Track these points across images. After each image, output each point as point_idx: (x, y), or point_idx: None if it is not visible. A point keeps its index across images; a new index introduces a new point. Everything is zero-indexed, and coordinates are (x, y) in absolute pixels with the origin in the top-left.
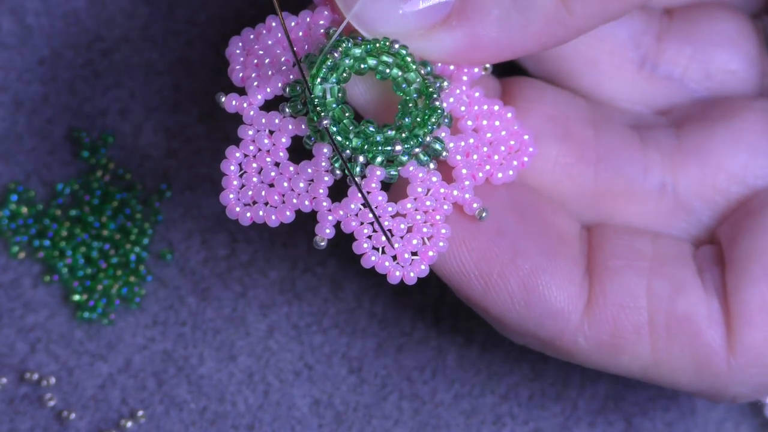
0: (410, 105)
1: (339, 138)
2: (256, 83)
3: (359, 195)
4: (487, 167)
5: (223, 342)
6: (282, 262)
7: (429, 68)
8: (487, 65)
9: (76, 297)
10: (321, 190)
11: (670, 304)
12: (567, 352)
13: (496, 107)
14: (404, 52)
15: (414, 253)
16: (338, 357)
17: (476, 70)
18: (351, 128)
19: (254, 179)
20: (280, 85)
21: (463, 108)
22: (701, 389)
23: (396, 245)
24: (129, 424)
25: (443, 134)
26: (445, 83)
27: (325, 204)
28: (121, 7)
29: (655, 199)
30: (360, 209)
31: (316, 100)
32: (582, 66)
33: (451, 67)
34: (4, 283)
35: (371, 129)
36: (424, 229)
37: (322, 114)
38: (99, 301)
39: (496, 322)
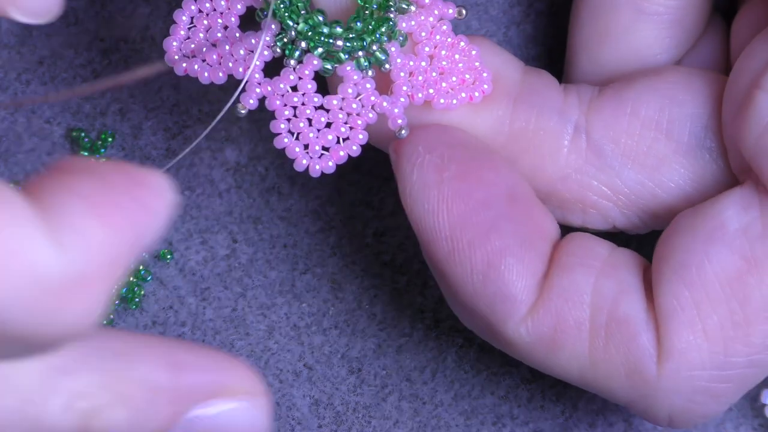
0: (366, 12)
1: (287, 17)
2: None
3: (291, 78)
4: (431, 91)
5: (222, 342)
6: (282, 263)
7: None
8: (463, 11)
9: None
10: (257, 62)
11: (612, 305)
12: (510, 343)
13: (462, 43)
14: None
15: (326, 149)
16: (338, 357)
17: (450, 11)
18: (302, 12)
19: (201, 35)
20: None
21: (423, 34)
22: (635, 399)
23: (311, 134)
24: None
25: (393, 49)
26: (412, 8)
27: (257, 76)
28: (121, 7)
29: (567, 139)
30: (288, 91)
31: None
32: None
33: (427, 1)
34: None
35: (320, 18)
36: (342, 129)
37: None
38: None
39: (451, 293)
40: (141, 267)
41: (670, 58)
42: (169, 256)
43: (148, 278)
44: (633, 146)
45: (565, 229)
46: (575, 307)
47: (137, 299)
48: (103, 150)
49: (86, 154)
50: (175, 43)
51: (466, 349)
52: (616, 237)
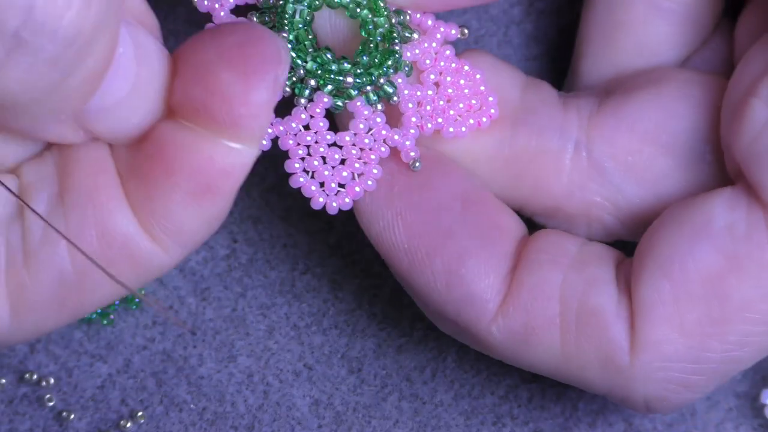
0: (371, 46)
1: (295, 57)
2: None
3: (302, 116)
4: (440, 120)
5: (222, 342)
6: (282, 263)
7: (402, 18)
8: (465, 30)
9: None
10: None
11: (582, 298)
12: (484, 343)
13: (466, 67)
14: None
15: (341, 186)
16: (338, 357)
17: (453, 32)
18: (310, 51)
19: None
20: None
21: (428, 61)
22: (610, 388)
23: (326, 172)
24: (128, 424)
25: (399, 80)
26: (415, 35)
27: None
28: None
29: (568, 157)
30: (300, 130)
31: (287, 16)
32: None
33: (430, 23)
34: None
35: (328, 56)
36: (357, 165)
37: (285, 29)
38: None
39: (421, 303)
40: None
41: (680, 54)
42: None
43: None
44: (633, 162)
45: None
46: (545, 303)
47: (137, 299)
48: None
49: None
50: None
51: (466, 349)
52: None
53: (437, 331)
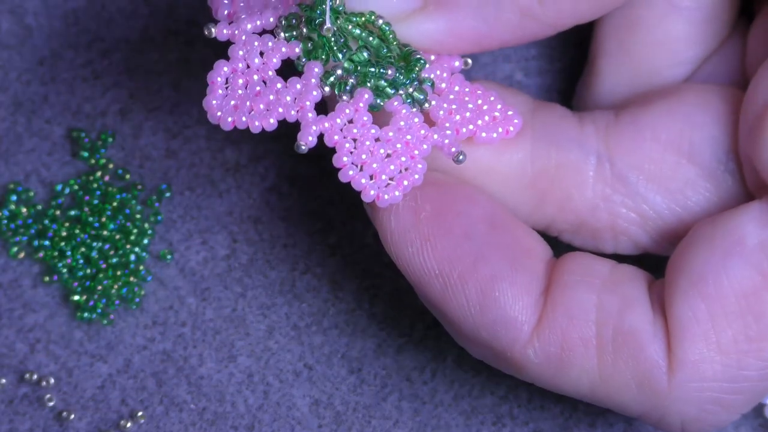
0: (392, 60)
1: (337, 51)
2: (244, 16)
3: (347, 111)
4: (471, 126)
5: (222, 342)
6: (282, 263)
7: (410, 49)
8: (469, 61)
9: (76, 297)
10: (308, 102)
11: (618, 320)
12: (519, 366)
13: (479, 91)
14: (387, 29)
15: (391, 178)
16: (338, 357)
17: (456, 63)
18: (346, 50)
19: (240, 92)
20: (271, 19)
21: (443, 84)
22: (647, 410)
23: (374, 164)
24: (129, 424)
25: (428, 89)
26: (427, 64)
27: (310, 115)
28: (121, 7)
29: (591, 170)
30: (345, 124)
31: (324, 13)
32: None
33: (432, 58)
34: (3, 284)
35: (365, 55)
36: (402, 158)
37: (329, 24)
38: (99, 301)
39: (453, 328)
40: (141, 267)
41: (698, 53)
42: (169, 256)
43: (148, 278)
44: (657, 171)
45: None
46: (580, 325)
47: (137, 299)
48: (103, 150)
49: (86, 154)
50: (215, 102)
51: None
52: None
53: (437, 331)
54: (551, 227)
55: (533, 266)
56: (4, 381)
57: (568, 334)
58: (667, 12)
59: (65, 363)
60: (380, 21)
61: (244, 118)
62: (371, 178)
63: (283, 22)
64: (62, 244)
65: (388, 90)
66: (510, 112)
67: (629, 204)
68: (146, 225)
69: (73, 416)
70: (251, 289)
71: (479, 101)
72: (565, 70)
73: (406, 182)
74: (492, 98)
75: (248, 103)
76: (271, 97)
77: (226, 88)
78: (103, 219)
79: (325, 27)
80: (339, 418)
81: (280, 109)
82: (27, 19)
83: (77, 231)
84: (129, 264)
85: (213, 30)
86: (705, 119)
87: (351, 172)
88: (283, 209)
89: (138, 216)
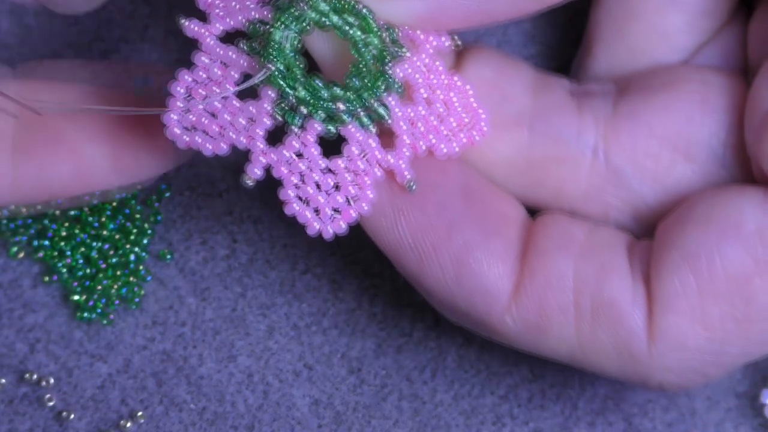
0: (362, 67)
1: (284, 85)
2: (219, 11)
3: (295, 144)
4: (432, 139)
5: (222, 342)
6: (282, 263)
7: (394, 34)
8: (459, 43)
9: (76, 297)
10: (259, 131)
11: (596, 287)
12: (497, 333)
13: (458, 82)
14: (368, 14)
15: (336, 210)
16: (338, 357)
17: (447, 43)
18: (300, 79)
19: (200, 106)
20: (242, 19)
21: (419, 77)
22: (626, 375)
23: (320, 198)
24: (128, 424)
25: (392, 101)
26: (407, 53)
27: (260, 145)
28: (121, 7)
29: (587, 163)
30: (293, 158)
31: (274, 44)
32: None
33: (421, 36)
34: (3, 284)
35: (319, 83)
36: (351, 189)
37: (273, 58)
38: (98, 301)
39: (432, 298)
40: (141, 267)
41: (693, 42)
42: (169, 256)
43: (148, 278)
44: (652, 167)
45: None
46: (558, 293)
47: (137, 299)
48: None
49: None
50: (174, 116)
51: (466, 348)
52: None
53: (437, 331)
54: (543, 211)
55: (508, 232)
56: (4, 381)
57: (545, 302)
58: (662, 2)
59: (65, 363)
60: (361, 6)
61: (198, 139)
62: (316, 212)
63: (249, 27)
64: (62, 243)
65: (343, 117)
66: (482, 113)
67: (622, 196)
68: (146, 225)
69: (73, 416)
70: (251, 289)
71: (452, 95)
72: (564, 68)
73: (352, 213)
74: (469, 90)
75: (205, 121)
76: (227, 116)
77: (187, 100)
78: (103, 219)
79: (269, 68)
80: (339, 418)
81: (232, 134)
82: (27, 19)
83: (77, 231)
84: (129, 264)
85: (184, 23)
86: (704, 116)
87: (296, 206)
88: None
89: (138, 216)
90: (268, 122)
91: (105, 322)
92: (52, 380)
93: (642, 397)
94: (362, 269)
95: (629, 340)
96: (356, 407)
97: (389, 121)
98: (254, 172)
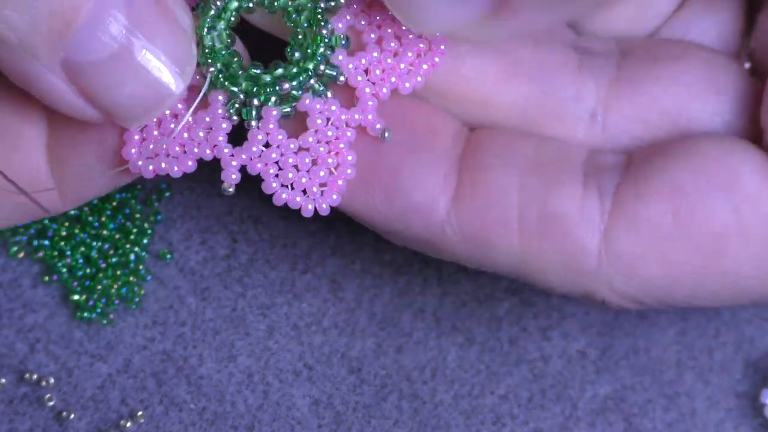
0: (300, 36)
1: (228, 84)
2: None
3: (259, 138)
4: (393, 79)
5: (222, 342)
6: (282, 262)
7: None
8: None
9: (76, 297)
10: (220, 138)
11: (542, 201)
12: (437, 247)
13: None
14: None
15: (323, 185)
16: (338, 357)
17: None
18: (240, 73)
19: (155, 132)
20: None
21: (363, 21)
22: (571, 289)
23: (303, 179)
24: (128, 424)
25: (341, 57)
26: (341, 0)
27: (226, 150)
28: None
29: (583, 126)
30: (262, 151)
31: (206, 49)
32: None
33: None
34: (3, 283)
35: (257, 71)
36: (330, 160)
37: (210, 62)
38: (98, 301)
39: (374, 227)
40: (141, 267)
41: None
42: (169, 256)
43: (148, 278)
44: (649, 139)
45: None
46: (500, 206)
47: (137, 299)
48: None
49: None
50: (133, 150)
51: (466, 348)
52: None
53: (437, 331)
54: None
55: (439, 144)
56: (4, 381)
57: (486, 216)
58: None
59: (65, 363)
60: None
61: (163, 164)
62: (304, 192)
63: None
64: (62, 243)
65: (294, 93)
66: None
67: (615, 159)
68: (146, 224)
69: (73, 416)
70: (251, 288)
71: (403, 26)
72: None
73: (340, 182)
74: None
75: (164, 146)
76: (185, 134)
77: (141, 131)
78: (103, 218)
79: (209, 71)
80: (339, 418)
81: (196, 149)
82: None
83: (77, 230)
84: (129, 263)
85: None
86: (707, 95)
87: (284, 195)
88: (283, 209)
89: (138, 215)
90: (226, 126)
91: (105, 322)
92: (52, 380)
93: (642, 397)
94: (362, 269)
95: (578, 255)
96: (356, 407)
97: (343, 79)
98: (230, 178)
